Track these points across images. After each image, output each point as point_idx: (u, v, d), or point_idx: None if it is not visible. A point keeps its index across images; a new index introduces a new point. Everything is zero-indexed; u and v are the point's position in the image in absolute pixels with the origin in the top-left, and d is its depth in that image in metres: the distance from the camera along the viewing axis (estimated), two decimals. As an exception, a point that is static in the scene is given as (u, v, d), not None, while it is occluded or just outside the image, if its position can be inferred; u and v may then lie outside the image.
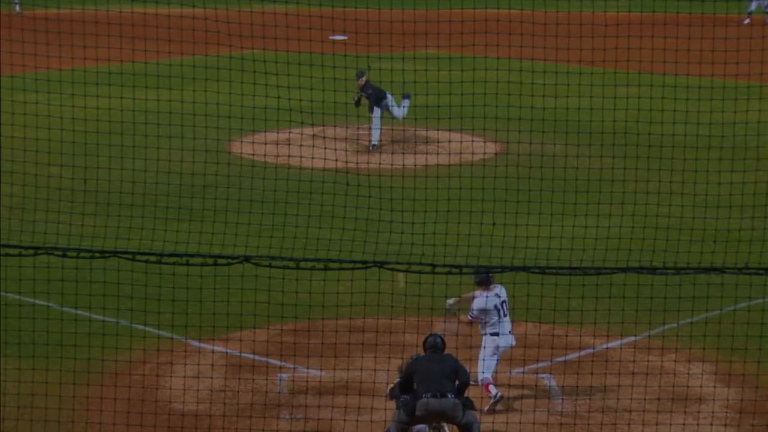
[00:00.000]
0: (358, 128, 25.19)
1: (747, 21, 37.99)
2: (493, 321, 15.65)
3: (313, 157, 23.83)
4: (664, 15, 39.52)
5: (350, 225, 20.28)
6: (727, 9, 39.77)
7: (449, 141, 25.31)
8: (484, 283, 15.60)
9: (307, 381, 16.38)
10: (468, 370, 13.72)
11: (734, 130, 25.72)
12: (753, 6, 38.52)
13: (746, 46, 30.76)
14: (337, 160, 24.03)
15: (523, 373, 16.47)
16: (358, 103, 24.19)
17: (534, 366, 16.47)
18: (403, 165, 23.71)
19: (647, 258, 18.09)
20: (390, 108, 24.45)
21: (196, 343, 16.26)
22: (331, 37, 36.01)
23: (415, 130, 25.51)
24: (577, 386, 15.57)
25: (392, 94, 26.08)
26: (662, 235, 19.75)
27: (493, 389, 15.53)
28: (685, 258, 18.03)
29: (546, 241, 19.12)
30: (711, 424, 15.12)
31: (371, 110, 24.38)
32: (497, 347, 15.77)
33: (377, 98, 24.26)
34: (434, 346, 14.05)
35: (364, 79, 24.51)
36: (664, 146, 24.32)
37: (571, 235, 19.16)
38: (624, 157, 23.87)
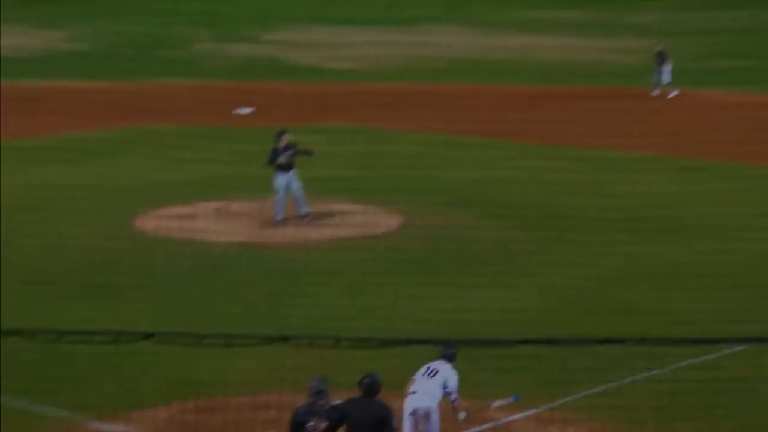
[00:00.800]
0: (262, 201, 25.20)
1: (656, 92, 38.76)
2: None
3: (217, 231, 23.77)
4: (567, 88, 40.19)
5: (255, 299, 20.23)
6: (632, 82, 40.49)
7: (353, 213, 25.39)
8: (455, 358, 15.03)
9: (210, 459, 16.21)
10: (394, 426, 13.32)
11: (635, 201, 26.15)
12: (655, 78, 39.35)
13: (645, 118, 31.37)
14: (241, 234, 23.99)
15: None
16: (279, 164, 24.15)
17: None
18: (308, 238, 23.74)
19: (548, 329, 18.26)
20: (292, 181, 24.53)
21: (96, 424, 16.05)
22: (236, 111, 36.06)
23: (320, 203, 25.59)
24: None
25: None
26: (563, 306, 19.94)
27: None
28: (586, 329, 18.20)
29: (450, 313, 19.20)
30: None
31: (277, 180, 24.43)
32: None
33: (289, 165, 24.32)
34: (369, 389, 13.33)
35: (286, 137, 24.53)
36: (566, 218, 24.62)
37: (474, 307, 19.27)
38: (526, 229, 24.10)
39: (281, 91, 39.64)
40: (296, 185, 24.55)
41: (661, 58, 39.10)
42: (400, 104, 37.22)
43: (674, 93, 38.30)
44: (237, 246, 23.28)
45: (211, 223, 24.41)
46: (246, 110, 35.98)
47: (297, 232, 24.31)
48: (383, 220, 24.88)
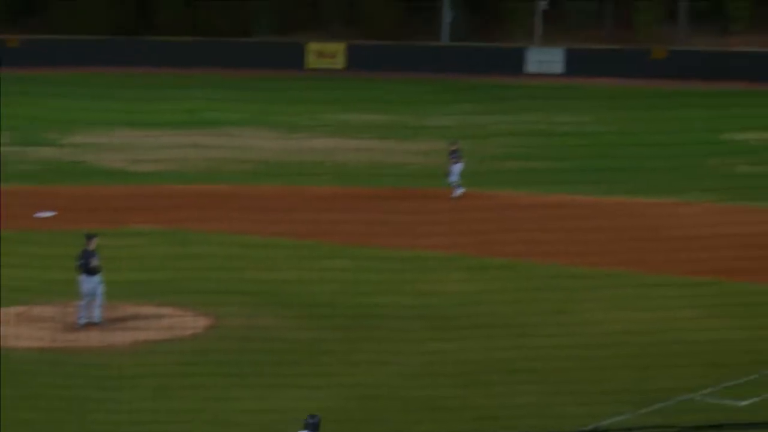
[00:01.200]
0: (65, 305, 24.73)
1: (461, 191, 39.58)
2: None
3: (18, 336, 23.20)
4: (372, 189, 40.70)
5: (58, 405, 19.77)
6: (432, 183, 41.25)
7: (161, 316, 25.12)
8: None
9: None
10: None
11: (438, 299, 26.53)
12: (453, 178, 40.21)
13: (446, 218, 31.93)
14: (42, 339, 23.48)
15: None
16: (91, 267, 23.72)
17: None
18: (113, 342, 23.35)
19: (354, 428, 18.29)
20: (98, 285, 24.16)
21: None
22: (37, 215, 35.43)
23: (127, 306, 25.24)
24: None
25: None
26: (370, 404, 20.02)
27: None
28: (392, 427, 18.30)
29: (258, 415, 19.08)
30: None
31: (84, 284, 24.00)
32: None
33: (97, 269, 23.94)
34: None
35: (95, 240, 24.14)
36: (373, 317, 24.81)
37: (282, 408, 19.20)
38: (334, 328, 24.20)
39: (85, 194, 39.17)
40: (101, 289, 24.22)
41: (454, 158, 40.20)
42: (208, 206, 37.12)
43: (460, 191, 39.43)
44: (38, 351, 22.78)
45: (12, 328, 23.84)
46: (47, 214, 35.43)
47: (102, 336, 23.90)
48: (191, 322, 24.66)
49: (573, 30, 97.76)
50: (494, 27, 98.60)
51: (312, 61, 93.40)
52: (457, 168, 40.15)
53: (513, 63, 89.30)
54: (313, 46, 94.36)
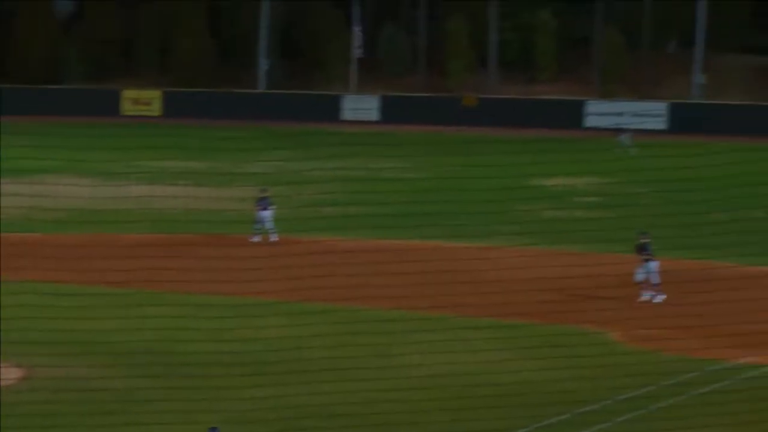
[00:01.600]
0: None
1: (275, 237, 39.93)
2: None
3: None
4: (187, 236, 40.40)
5: None
6: (247, 230, 41.20)
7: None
8: None
9: None
10: None
11: (258, 346, 26.43)
12: (267, 225, 40.31)
13: (264, 264, 31.84)
14: None
15: None
16: None
17: None
18: None
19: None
20: None
21: None
22: None
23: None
24: None
25: None
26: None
27: None
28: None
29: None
30: None
31: None
32: None
33: None
34: None
35: None
36: (192, 364, 24.57)
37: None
38: (152, 376, 23.88)
39: None
40: None
41: (261, 204, 41.04)
42: (20, 255, 36.33)
43: (274, 237, 40.05)
44: None
45: None
46: None
47: None
48: (3, 374, 24.05)
49: (387, 78, 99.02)
50: (310, 74, 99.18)
51: (127, 108, 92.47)
52: (267, 215, 40.70)
53: (329, 110, 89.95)
54: (129, 93, 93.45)
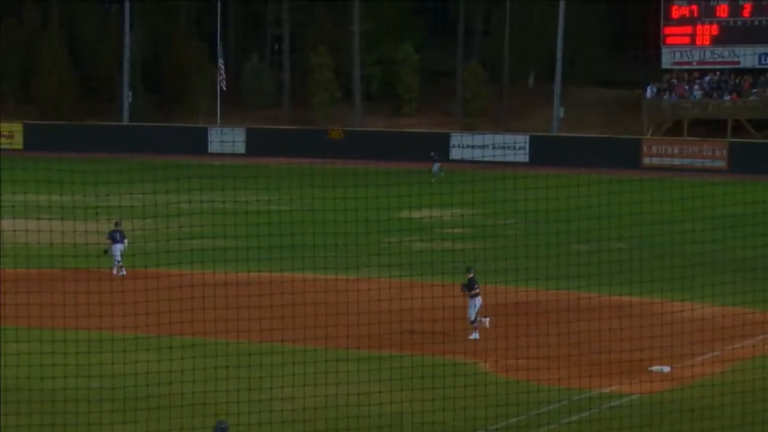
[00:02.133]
0: None
1: (123, 272, 40.03)
2: None
3: None
4: (51, 271, 39.73)
5: None
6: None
7: None
8: None
9: None
10: None
11: (126, 381, 26.00)
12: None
13: (132, 298, 31.41)
14: None
15: None
16: None
17: None
18: None
19: None
20: None
21: None
22: None
23: None
24: None
25: None
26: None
27: None
28: None
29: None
30: None
31: None
32: None
33: None
34: None
35: None
36: (59, 401, 24.08)
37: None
38: (16, 413, 23.34)
39: None
40: None
41: (113, 237, 42.00)
42: None
43: (122, 272, 40.91)
44: None
45: None
46: None
47: None
48: None
49: (252, 111, 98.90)
50: (174, 107, 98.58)
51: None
52: (119, 247, 41.26)
53: (196, 143, 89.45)
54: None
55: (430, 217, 52.66)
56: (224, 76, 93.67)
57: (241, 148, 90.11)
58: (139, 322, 30.96)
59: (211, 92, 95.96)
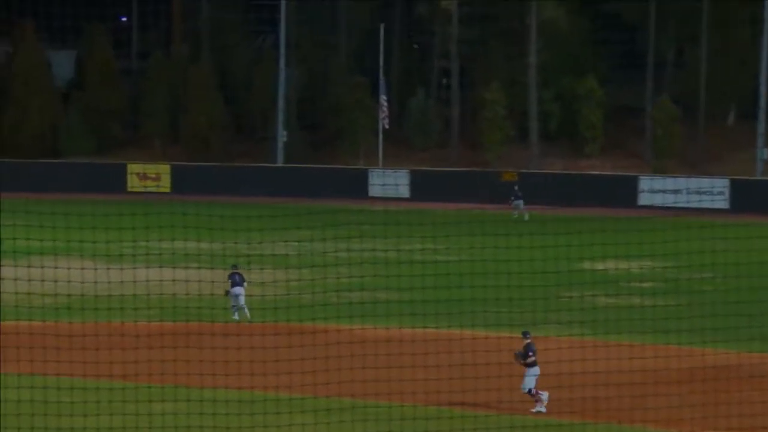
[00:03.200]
0: None
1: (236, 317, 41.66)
2: None
3: None
4: (200, 324, 40.34)
5: None
6: (270, 317, 41.12)
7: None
8: None
9: None
10: None
11: None
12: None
13: (287, 355, 31.62)
14: None
15: None
16: None
17: None
18: None
19: None
20: None
21: None
22: None
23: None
24: None
25: None
26: None
27: None
28: None
29: None
30: None
31: None
32: None
33: None
34: None
35: None
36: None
37: None
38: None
39: None
40: None
41: (233, 280, 44.72)
42: (21, 345, 36.24)
43: (236, 317, 43.79)
44: None
45: None
46: None
47: None
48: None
49: (417, 151, 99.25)
50: (332, 148, 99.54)
51: (134, 183, 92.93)
52: (239, 291, 44.45)
53: (355, 186, 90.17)
54: (135, 167, 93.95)
55: (616, 268, 52.04)
56: (387, 113, 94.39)
57: (404, 191, 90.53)
58: (294, 382, 31.16)
59: (372, 131, 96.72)
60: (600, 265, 53.18)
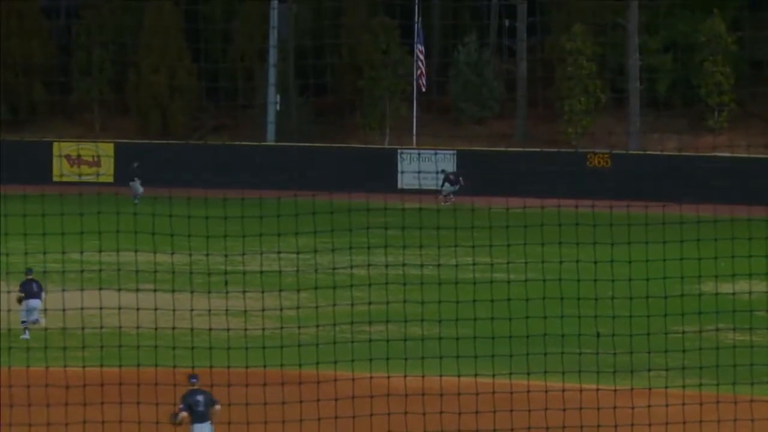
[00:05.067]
0: None
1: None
2: None
3: None
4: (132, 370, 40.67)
5: None
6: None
7: None
8: None
9: None
10: None
11: None
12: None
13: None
14: None
15: None
16: None
17: None
18: None
19: None
20: None
21: None
22: None
23: None
24: None
25: None
26: None
27: None
28: None
29: None
30: None
31: None
32: None
33: None
34: None
35: None
36: None
37: None
38: None
39: None
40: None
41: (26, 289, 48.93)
42: None
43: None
44: None
45: None
46: None
47: None
48: None
49: (466, 123, 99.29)
50: (346, 118, 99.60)
51: (63, 169, 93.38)
52: (35, 303, 48.89)
53: (378, 174, 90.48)
54: (65, 147, 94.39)
55: (750, 292, 52.11)
56: (424, 70, 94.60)
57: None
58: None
59: (402, 95, 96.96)
60: (727, 288, 53.21)
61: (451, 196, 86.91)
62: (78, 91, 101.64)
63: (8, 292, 45.91)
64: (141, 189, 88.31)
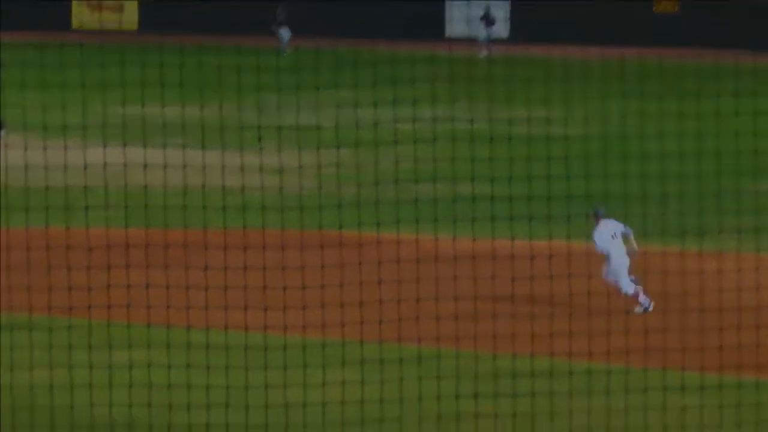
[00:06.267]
0: None
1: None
2: None
3: None
4: (177, 232, 41.03)
5: None
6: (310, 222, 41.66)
7: None
8: None
9: None
10: None
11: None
12: None
13: (314, 280, 32.21)
14: None
15: None
16: None
17: None
18: None
19: None
20: None
21: None
22: None
23: None
24: None
25: None
26: None
27: None
28: None
29: None
30: None
31: None
32: None
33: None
34: None
35: None
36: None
37: None
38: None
39: None
40: None
41: None
42: None
43: None
44: None
45: None
46: None
47: None
48: None
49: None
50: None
51: (83, 17, 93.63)
52: None
53: (423, 21, 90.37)
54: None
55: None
56: None
57: (501, 28, 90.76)
58: (329, 320, 31.73)
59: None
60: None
61: (491, 44, 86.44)
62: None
63: (25, 148, 45.92)
64: (288, 35, 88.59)
